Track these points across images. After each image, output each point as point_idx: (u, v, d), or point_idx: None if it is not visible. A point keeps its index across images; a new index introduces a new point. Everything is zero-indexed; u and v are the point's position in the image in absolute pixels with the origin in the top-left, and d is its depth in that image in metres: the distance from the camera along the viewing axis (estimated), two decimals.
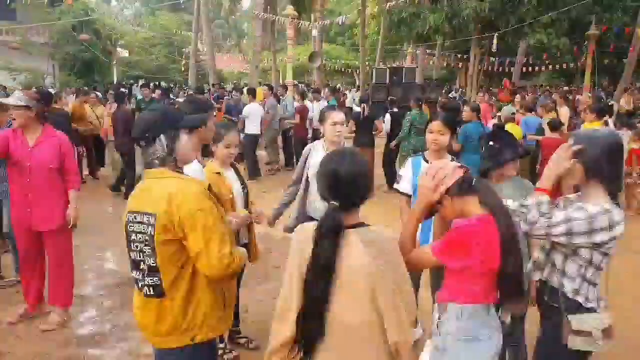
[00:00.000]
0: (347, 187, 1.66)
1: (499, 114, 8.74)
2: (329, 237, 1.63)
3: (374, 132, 8.42)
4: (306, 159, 3.48)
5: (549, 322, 2.07)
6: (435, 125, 3.06)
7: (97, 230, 5.98)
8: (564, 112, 9.58)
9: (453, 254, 1.78)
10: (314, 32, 20.18)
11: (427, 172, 1.93)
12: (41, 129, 3.61)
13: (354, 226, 1.68)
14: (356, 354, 1.66)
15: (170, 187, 1.86)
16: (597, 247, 1.92)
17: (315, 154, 3.42)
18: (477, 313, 1.81)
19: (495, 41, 15.46)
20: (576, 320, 1.94)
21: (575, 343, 1.94)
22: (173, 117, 1.99)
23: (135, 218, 1.92)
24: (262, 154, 10.27)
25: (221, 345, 3.30)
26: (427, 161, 3.12)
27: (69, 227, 3.74)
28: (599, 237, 1.88)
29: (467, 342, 1.83)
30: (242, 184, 3.23)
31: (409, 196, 3.19)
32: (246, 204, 3.27)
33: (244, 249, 2.22)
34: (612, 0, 18.92)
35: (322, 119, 3.36)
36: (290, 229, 3.47)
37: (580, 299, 1.98)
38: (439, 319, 1.94)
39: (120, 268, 4.78)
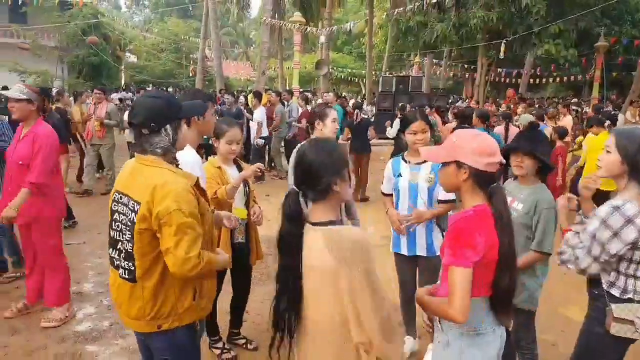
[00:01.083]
0: (300, 173, 1.67)
1: (517, 122, 8.71)
2: (288, 222, 1.65)
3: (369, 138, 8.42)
4: None
5: (591, 308, 2.19)
6: (420, 124, 3.02)
7: (100, 228, 5.96)
8: (567, 122, 9.59)
9: (465, 252, 1.67)
10: (322, 39, 20.22)
11: None
12: (33, 124, 3.52)
13: (319, 224, 1.63)
14: (323, 351, 1.65)
15: (158, 179, 1.84)
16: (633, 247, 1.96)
17: None
18: (479, 306, 1.75)
19: (502, 48, 15.41)
20: (619, 309, 2.03)
21: (615, 329, 2.04)
22: (177, 106, 1.99)
23: (121, 199, 1.92)
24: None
25: (219, 346, 3.26)
26: (406, 161, 3.13)
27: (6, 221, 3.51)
28: (631, 235, 1.92)
29: (469, 336, 1.78)
30: (244, 182, 3.18)
31: (391, 195, 3.23)
32: (247, 203, 3.22)
33: (225, 255, 2.21)
34: (621, 12, 18.89)
35: (322, 116, 3.31)
36: None
37: (615, 292, 2.06)
38: None
39: None
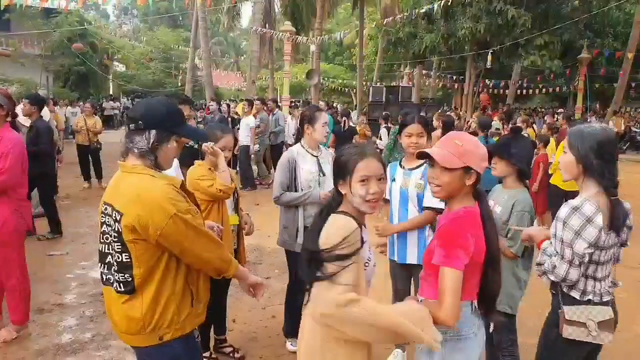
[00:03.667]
0: None
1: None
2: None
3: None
4: (294, 168, 3.22)
5: (552, 309, 2.13)
6: (415, 127, 2.93)
7: (85, 238, 5.83)
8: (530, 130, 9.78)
9: (458, 253, 1.62)
10: (312, 48, 20.27)
11: None
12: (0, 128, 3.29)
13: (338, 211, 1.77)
14: None
15: (140, 188, 1.74)
16: (598, 247, 1.93)
17: (303, 160, 3.23)
18: (463, 310, 1.71)
19: (489, 57, 15.61)
20: (571, 311, 1.98)
21: (568, 332, 1.98)
22: (175, 121, 1.86)
23: (106, 210, 1.83)
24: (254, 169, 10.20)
25: (206, 354, 3.17)
26: (402, 167, 3.05)
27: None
28: (592, 234, 1.88)
29: (453, 342, 1.75)
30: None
31: (387, 200, 3.11)
32: (236, 209, 3.24)
33: None
34: (603, 26, 19.32)
35: (311, 119, 3.22)
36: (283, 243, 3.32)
37: (575, 294, 2.01)
38: None
39: None
